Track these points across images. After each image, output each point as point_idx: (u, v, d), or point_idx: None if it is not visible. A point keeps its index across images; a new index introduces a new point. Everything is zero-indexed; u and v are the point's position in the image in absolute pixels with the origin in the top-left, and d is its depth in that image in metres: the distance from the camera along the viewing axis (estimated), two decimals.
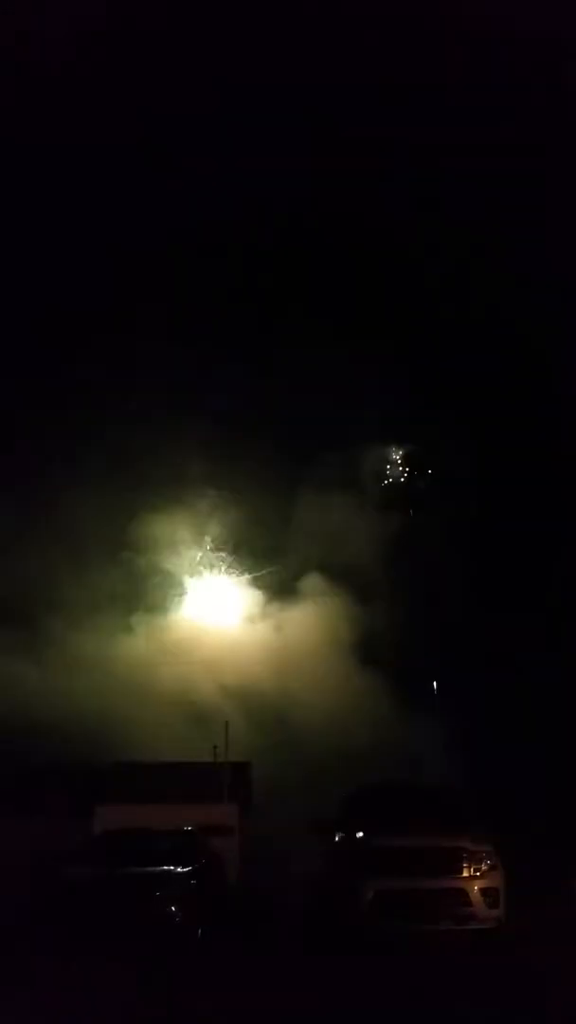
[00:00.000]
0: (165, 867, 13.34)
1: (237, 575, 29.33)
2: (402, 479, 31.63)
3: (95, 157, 23.54)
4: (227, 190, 25.02)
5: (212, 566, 29.24)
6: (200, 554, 28.68)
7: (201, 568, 29.35)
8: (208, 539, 28.64)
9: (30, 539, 25.83)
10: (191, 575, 29.51)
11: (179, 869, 13.40)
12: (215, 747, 21.01)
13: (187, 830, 15.21)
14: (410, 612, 26.89)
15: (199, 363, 26.04)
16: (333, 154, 23.25)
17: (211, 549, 28.80)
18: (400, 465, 31.60)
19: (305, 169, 23.69)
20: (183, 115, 23.03)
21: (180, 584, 29.52)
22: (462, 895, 12.73)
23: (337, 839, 13.88)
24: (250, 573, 29.22)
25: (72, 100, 21.45)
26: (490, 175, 22.86)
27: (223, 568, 29.21)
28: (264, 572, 28.92)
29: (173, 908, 12.71)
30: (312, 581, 28.61)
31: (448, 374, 26.07)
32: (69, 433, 26.12)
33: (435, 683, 26.76)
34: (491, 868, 13.01)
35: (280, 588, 29.08)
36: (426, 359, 26.29)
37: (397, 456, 31.49)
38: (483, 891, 12.79)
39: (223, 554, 28.91)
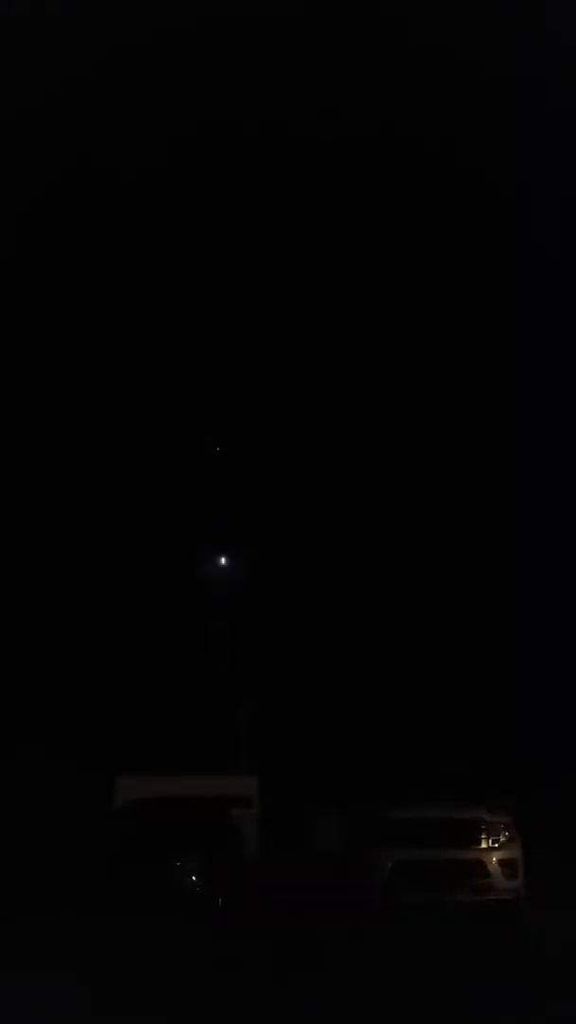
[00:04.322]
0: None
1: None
2: None
3: None
4: None
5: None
6: None
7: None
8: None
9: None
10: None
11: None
12: (235, 719, 21.09)
13: (213, 800, 15.43)
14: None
15: None
16: None
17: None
18: None
19: None
20: None
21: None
22: (480, 866, 12.86)
23: (355, 811, 14.04)
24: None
25: None
26: None
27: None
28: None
29: (194, 878, 13.02)
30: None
31: None
32: None
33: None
34: (509, 839, 13.12)
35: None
36: None
37: None
38: (501, 862, 12.91)
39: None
